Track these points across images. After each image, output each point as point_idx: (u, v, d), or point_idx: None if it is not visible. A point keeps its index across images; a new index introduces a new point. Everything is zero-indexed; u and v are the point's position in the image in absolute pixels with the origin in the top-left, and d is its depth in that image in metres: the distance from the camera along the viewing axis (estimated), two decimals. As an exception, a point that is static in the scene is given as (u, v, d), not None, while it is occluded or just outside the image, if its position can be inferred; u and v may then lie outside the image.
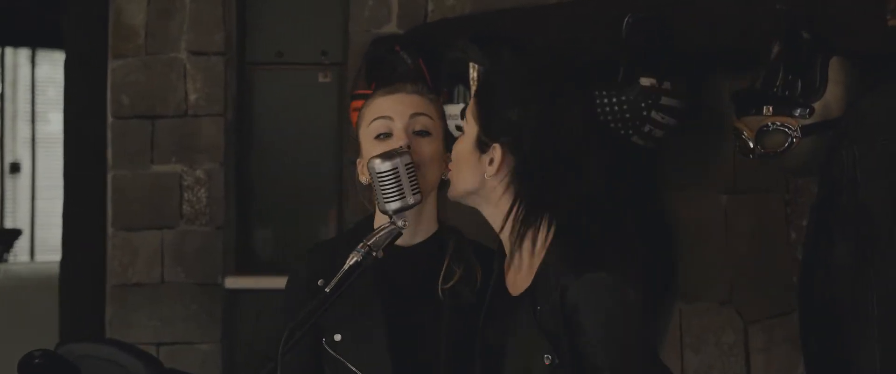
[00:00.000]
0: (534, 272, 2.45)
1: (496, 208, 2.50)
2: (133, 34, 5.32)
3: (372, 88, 4.65)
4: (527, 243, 2.46)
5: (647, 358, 2.46)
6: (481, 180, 2.48)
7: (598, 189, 2.46)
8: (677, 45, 3.92)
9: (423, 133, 2.69)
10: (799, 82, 3.49)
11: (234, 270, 5.37)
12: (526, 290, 2.46)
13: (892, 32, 3.38)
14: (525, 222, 2.45)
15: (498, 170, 2.46)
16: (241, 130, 5.41)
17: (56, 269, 6.39)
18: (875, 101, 3.26)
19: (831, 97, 3.47)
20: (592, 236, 2.42)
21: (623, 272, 2.39)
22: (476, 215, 2.57)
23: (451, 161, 2.59)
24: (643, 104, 3.91)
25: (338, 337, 2.67)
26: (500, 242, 2.55)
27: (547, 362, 2.37)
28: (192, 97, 5.32)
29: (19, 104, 12.98)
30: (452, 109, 4.14)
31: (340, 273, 2.50)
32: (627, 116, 3.91)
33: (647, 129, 3.94)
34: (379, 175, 2.58)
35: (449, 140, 2.76)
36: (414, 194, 2.58)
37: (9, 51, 12.75)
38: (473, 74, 4.29)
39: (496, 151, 2.45)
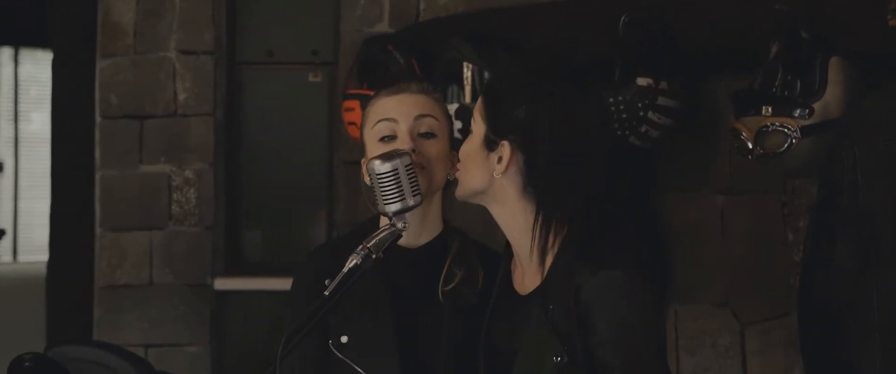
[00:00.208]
0: (543, 272, 2.43)
1: (504, 207, 2.48)
2: (122, 33, 5.28)
3: (364, 88, 4.63)
4: (537, 243, 2.43)
5: (659, 359, 2.42)
6: (490, 179, 2.46)
7: (607, 187, 2.43)
8: (674, 45, 3.89)
9: (429, 135, 2.68)
10: (798, 83, 3.47)
11: (223, 271, 5.34)
12: (536, 289, 2.44)
13: (892, 32, 3.35)
14: (545, 224, 2.42)
15: (507, 168, 2.44)
16: (230, 130, 5.38)
17: (39, 269, 6.35)
18: (877, 101, 3.22)
19: (831, 98, 3.45)
20: (606, 234, 2.41)
21: (637, 271, 2.38)
22: (482, 216, 2.54)
23: (458, 161, 2.55)
24: (640, 104, 3.88)
25: (344, 339, 2.66)
26: (507, 241, 2.53)
27: (557, 361, 2.35)
28: (181, 97, 5.28)
29: (2, 104, 12.90)
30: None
31: (340, 276, 2.48)
32: (624, 116, 3.88)
33: (643, 129, 3.91)
34: (379, 176, 2.55)
35: (454, 139, 2.74)
36: (414, 196, 2.55)
37: (-9, 50, 12.67)
38: (468, 73, 4.26)
39: (505, 149, 2.43)
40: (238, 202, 5.41)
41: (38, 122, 10.88)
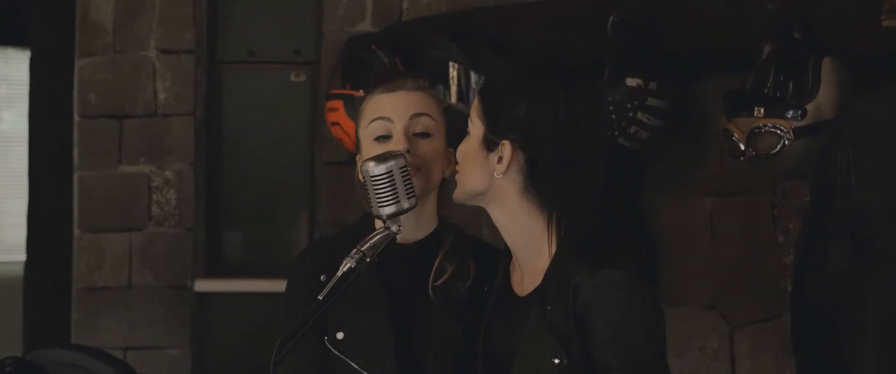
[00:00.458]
0: (542, 272, 2.39)
1: (503, 208, 2.45)
2: (101, 31, 5.24)
3: (347, 88, 4.60)
4: (536, 244, 2.41)
5: (659, 360, 2.39)
6: (490, 180, 2.43)
7: (606, 187, 2.40)
8: (664, 46, 3.86)
9: (424, 135, 2.64)
10: (790, 83, 3.45)
11: (203, 273, 5.30)
12: (534, 290, 2.41)
13: (885, 32, 3.33)
14: (559, 224, 2.40)
15: (508, 168, 2.40)
16: (211, 130, 5.33)
17: (12, 270, 6.28)
18: (874, 101, 3.20)
19: (824, 98, 3.43)
20: (605, 234, 2.38)
21: (636, 271, 2.35)
22: (480, 212, 2.51)
23: (456, 160, 2.51)
24: (629, 105, 3.86)
25: (340, 335, 2.63)
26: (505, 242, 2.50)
27: (556, 363, 2.32)
28: (161, 96, 5.24)
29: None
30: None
31: (334, 280, 2.45)
32: (613, 117, 3.85)
33: (632, 130, 3.88)
34: (373, 179, 2.51)
35: (451, 137, 2.69)
36: (408, 199, 2.52)
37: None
38: (454, 73, 4.23)
39: (505, 149, 2.40)
40: (219, 203, 5.36)
41: (9, 120, 10.80)
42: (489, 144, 2.42)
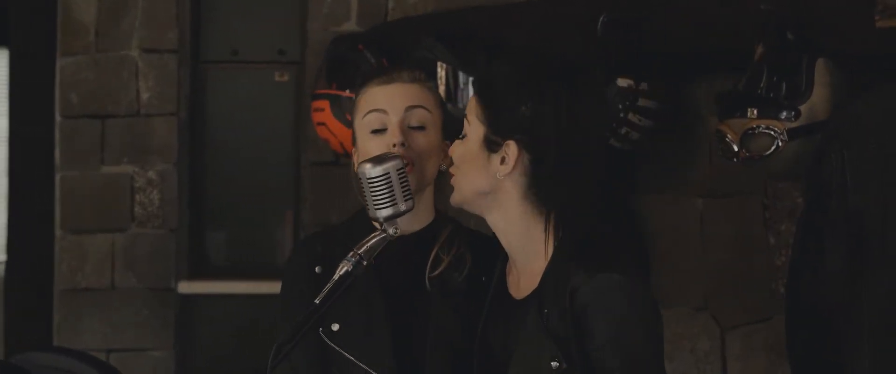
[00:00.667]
0: (539, 275, 2.38)
1: (502, 210, 2.42)
2: (83, 30, 5.20)
3: (333, 88, 4.56)
4: (533, 246, 2.39)
5: (657, 361, 2.37)
6: (493, 181, 2.40)
7: (605, 187, 2.40)
8: (655, 46, 3.84)
9: (419, 128, 2.62)
10: (784, 84, 3.43)
11: (187, 274, 5.27)
12: (531, 293, 2.39)
13: (879, 33, 3.32)
14: (557, 225, 2.38)
15: (513, 168, 2.37)
16: (194, 130, 5.31)
17: (-5, 271, 6.25)
18: (870, 102, 3.19)
19: (817, 99, 3.41)
20: (603, 235, 2.37)
21: (634, 273, 2.34)
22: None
23: (455, 159, 2.48)
24: (620, 106, 3.84)
25: (335, 327, 2.60)
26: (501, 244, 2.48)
27: (554, 367, 2.30)
28: (144, 96, 5.21)
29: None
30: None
31: (331, 283, 2.42)
32: (605, 117, 3.83)
33: (623, 131, 3.86)
34: (369, 181, 2.48)
35: (448, 129, 2.67)
36: (406, 201, 2.49)
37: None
38: (441, 73, 4.20)
39: (510, 149, 2.37)
40: (202, 204, 5.34)
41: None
42: (491, 145, 2.39)
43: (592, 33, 3.91)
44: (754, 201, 4.05)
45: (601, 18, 3.91)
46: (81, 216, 5.22)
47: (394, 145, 2.58)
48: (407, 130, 2.60)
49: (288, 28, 5.27)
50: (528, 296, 2.40)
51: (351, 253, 2.43)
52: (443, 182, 2.63)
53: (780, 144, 3.39)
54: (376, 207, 2.47)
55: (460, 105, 4.14)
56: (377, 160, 2.48)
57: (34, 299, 5.44)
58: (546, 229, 2.39)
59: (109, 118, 5.20)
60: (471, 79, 2.45)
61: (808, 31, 3.43)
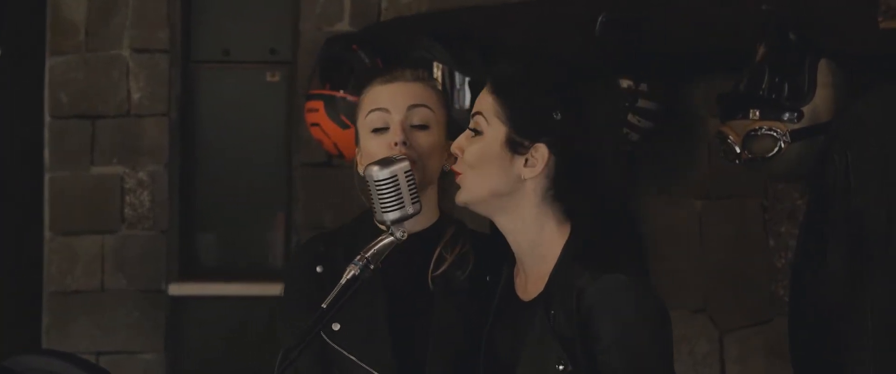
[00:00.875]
0: (546, 277, 2.35)
1: (516, 212, 2.39)
2: (73, 30, 5.17)
3: (327, 88, 4.54)
4: (543, 248, 2.37)
5: (666, 364, 2.33)
6: (513, 183, 2.37)
7: (623, 189, 2.39)
8: (654, 46, 3.81)
9: (422, 127, 2.60)
10: (786, 85, 3.41)
11: (178, 276, 5.25)
12: (538, 295, 2.36)
13: (882, 34, 3.30)
14: (583, 229, 2.36)
15: (541, 171, 2.35)
16: (185, 130, 5.28)
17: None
18: (871, 103, 3.17)
19: (820, 100, 3.40)
20: (610, 237, 2.35)
21: (641, 275, 2.31)
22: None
23: (469, 158, 2.43)
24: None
25: (336, 327, 2.57)
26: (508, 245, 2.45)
27: (560, 369, 2.27)
28: (134, 96, 5.19)
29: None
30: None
31: (337, 288, 2.37)
32: (604, 118, 3.81)
33: (623, 131, 3.83)
34: (377, 184, 2.44)
35: (452, 128, 2.64)
36: (413, 204, 2.45)
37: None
38: (438, 73, 4.17)
39: (539, 152, 2.35)
40: (193, 205, 5.32)
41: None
42: (516, 146, 2.36)
43: (591, 34, 3.88)
44: (753, 202, 4.03)
45: (600, 18, 3.88)
46: (71, 218, 5.19)
47: (395, 144, 2.56)
48: (409, 129, 2.58)
49: (280, 28, 5.25)
50: (536, 298, 2.37)
51: (358, 257, 2.38)
52: (447, 184, 2.62)
53: (782, 145, 3.38)
54: (383, 210, 2.44)
55: (457, 106, 4.12)
56: (384, 163, 2.45)
57: (23, 301, 5.40)
58: (559, 232, 2.37)
59: (99, 119, 5.17)
60: (490, 77, 2.40)
61: (810, 31, 3.41)
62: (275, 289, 4.71)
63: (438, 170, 2.61)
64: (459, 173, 2.43)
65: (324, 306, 2.35)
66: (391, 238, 2.43)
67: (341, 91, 4.46)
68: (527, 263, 2.42)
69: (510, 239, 2.43)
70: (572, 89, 2.37)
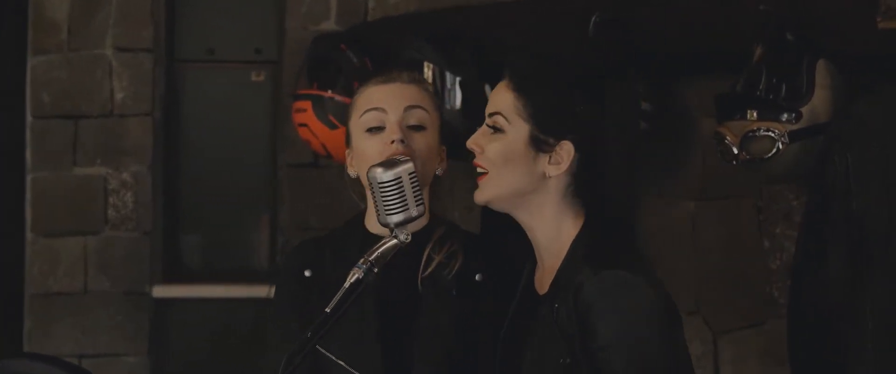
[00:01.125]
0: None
1: (539, 208, 2.38)
2: (55, 29, 5.11)
3: (315, 88, 4.51)
4: (559, 244, 2.36)
5: (676, 368, 2.28)
6: (537, 181, 2.36)
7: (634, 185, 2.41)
8: (648, 46, 3.79)
9: (418, 128, 2.60)
10: (783, 86, 3.39)
11: (161, 278, 5.21)
12: (548, 288, 2.36)
13: (881, 34, 3.29)
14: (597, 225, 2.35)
15: (567, 168, 2.34)
16: (169, 131, 5.24)
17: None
18: (871, 103, 3.17)
19: (818, 101, 3.39)
20: (621, 233, 2.35)
21: (645, 273, 2.28)
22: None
23: (491, 156, 2.40)
24: (613, 107, 3.78)
25: None
26: (530, 242, 2.43)
27: (562, 363, 2.26)
28: (118, 96, 5.13)
29: None
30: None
31: (341, 292, 2.34)
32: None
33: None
34: (381, 186, 2.41)
35: (445, 132, 2.66)
36: (417, 206, 2.43)
37: None
38: (429, 73, 4.14)
39: (565, 149, 2.34)
40: (177, 206, 5.28)
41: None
42: (540, 144, 2.35)
43: (584, 34, 3.85)
44: (747, 203, 4.02)
45: (593, 18, 3.85)
46: (53, 219, 5.14)
47: (392, 142, 2.56)
48: (405, 129, 2.58)
49: (265, 27, 5.22)
50: (547, 292, 2.36)
51: (362, 260, 2.35)
52: (438, 187, 2.64)
53: (780, 146, 3.36)
54: (387, 212, 2.41)
55: (448, 106, 4.09)
56: (388, 165, 2.42)
57: (4, 304, 5.34)
58: (575, 227, 2.36)
59: (82, 118, 5.12)
60: (508, 73, 2.39)
61: (808, 31, 3.40)
62: (260, 291, 4.75)
63: (433, 172, 2.62)
64: (485, 171, 2.40)
65: (327, 310, 2.33)
66: (395, 241, 2.41)
67: (329, 91, 4.43)
68: (545, 257, 2.41)
69: (530, 234, 2.42)
70: (594, 83, 2.36)
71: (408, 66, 4.15)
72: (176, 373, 5.19)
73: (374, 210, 2.62)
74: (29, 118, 5.13)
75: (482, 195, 2.41)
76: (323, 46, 4.64)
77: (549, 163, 2.35)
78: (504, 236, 2.71)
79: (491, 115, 2.40)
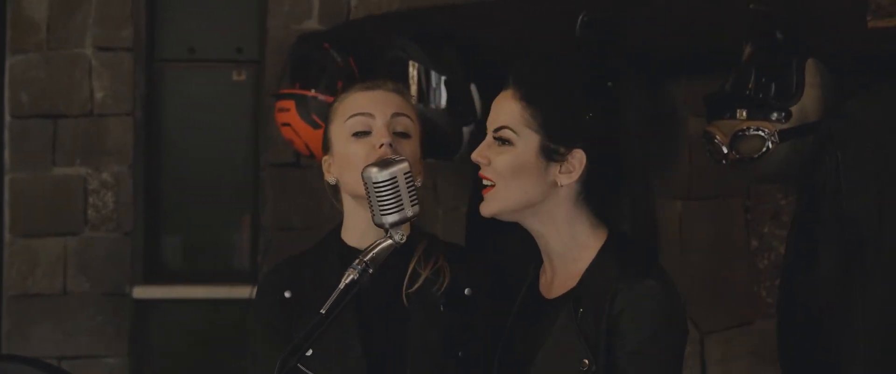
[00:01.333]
0: (577, 277, 2.36)
1: (549, 216, 2.39)
2: (34, 28, 5.07)
3: (298, 87, 4.47)
4: (575, 251, 2.38)
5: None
6: (548, 190, 2.36)
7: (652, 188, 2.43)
8: (635, 46, 3.77)
9: (404, 135, 2.61)
10: (773, 85, 3.38)
11: (142, 279, 5.18)
12: (567, 292, 2.37)
13: (871, 33, 3.28)
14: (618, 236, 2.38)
15: (579, 177, 2.35)
16: (150, 130, 5.21)
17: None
18: (867, 102, 3.16)
19: (808, 100, 3.38)
20: (648, 242, 2.38)
21: (672, 283, 2.34)
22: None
23: (500, 169, 2.39)
24: (601, 107, 3.76)
25: (309, 352, 2.48)
26: (537, 248, 2.44)
27: (584, 367, 2.28)
28: (98, 96, 5.09)
29: None
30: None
31: (336, 293, 2.33)
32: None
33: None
34: (376, 186, 2.39)
35: (426, 143, 2.67)
36: (412, 206, 2.42)
37: None
38: (414, 73, 4.11)
39: (576, 158, 2.35)
40: (158, 207, 5.25)
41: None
42: (551, 154, 2.35)
43: (571, 33, 3.83)
44: (735, 202, 4.01)
45: (581, 18, 3.83)
46: (32, 219, 5.10)
47: (380, 145, 2.55)
48: (392, 134, 2.59)
49: (247, 26, 5.19)
50: (564, 295, 2.38)
51: (357, 261, 2.34)
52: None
53: (770, 145, 3.35)
54: (382, 212, 2.39)
55: (433, 105, 4.06)
56: (383, 164, 2.41)
57: (-19, 305, 5.31)
58: (593, 233, 2.37)
59: (61, 118, 5.08)
60: (514, 82, 2.38)
61: (798, 30, 3.39)
62: (241, 292, 4.73)
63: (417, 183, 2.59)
64: (492, 183, 2.39)
65: (322, 311, 2.31)
66: (390, 242, 2.40)
67: (313, 90, 4.39)
68: (557, 263, 2.42)
69: (540, 241, 2.43)
70: (603, 88, 2.35)
71: (392, 67, 4.15)
72: (156, 375, 5.15)
73: (351, 222, 2.63)
74: (7, 118, 5.09)
75: (489, 208, 2.41)
76: (306, 46, 4.60)
77: (560, 172, 2.35)
78: (488, 243, 2.72)
79: (498, 129, 2.39)
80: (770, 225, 3.91)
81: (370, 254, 2.36)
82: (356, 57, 4.45)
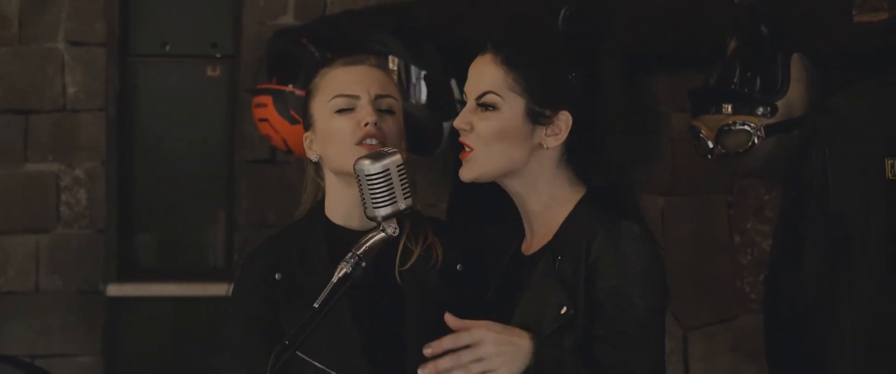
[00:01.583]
0: (554, 230, 2.34)
1: (530, 177, 2.36)
2: (5, 22, 5.02)
3: (275, 83, 4.45)
4: (554, 210, 2.36)
5: (659, 319, 2.30)
6: (533, 152, 2.34)
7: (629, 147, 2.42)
8: (618, 41, 3.75)
9: (389, 111, 2.57)
10: (758, 79, 3.38)
11: (115, 276, 5.15)
12: (545, 245, 2.34)
13: (857, 28, 3.28)
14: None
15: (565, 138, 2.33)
16: (123, 126, 5.17)
17: None
18: (853, 97, 3.15)
19: (794, 95, 3.38)
20: (626, 194, 2.36)
21: (652, 233, 2.30)
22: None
23: (484, 134, 2.36)
24: (583, 101, 3.75)
25: None
26: (517, 213, 2.42)
27: (563, 312, 2.25)
28: (70, 91, 5.05)
29: None
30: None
31: (329, 287, 2.29)
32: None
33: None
34: (368, 178, 2.35)
35: (408, 118, 2.65)
36: (405, 199, 2.37)
37: None
38: (393, 67, 4.08)
39: (562, 119, 2.33)
40: (131, 204, 5.22)
41: None
42: (537, 117, 2.33)
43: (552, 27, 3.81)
44: (717, 198, 4.01)
45: (563, 12, 3.81)
46: (4, 216, 5.05)
47: (365, 124, 2.52)
48: (378, 112, 2.55)
49: (221, 21, 5.17)
50: (541, 249, 2.35)
51: (350, 254, 2.30)
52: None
53: (756, 140, 3.35)
54: (375, 205, 2.35)
55: (413, 100, 4.04)
56: (376, 156, 2.36)
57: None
58: (572, 193, 2.35)
59: (33, 114, 5.04)
60: (494, 49, 2.36)
61: (783, 25, 3.38)
62: (216, 289, 4.68)
63: None
64: (471, 149, 2.37)
65: (315, 305, 2.27)
66: (383, 234, 2.36)
67: (291, 86, 4.36)
68: (535, 223, 2.40)
69: (519, 202, 2.41)
70: (584, 50, 2.34)
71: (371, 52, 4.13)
72: (130, 373, 5.12)
73: (335, 199, 2.59)
74: (-22, 113, 5.04)
75: (470, 172, 2.39)
76: (283, 41, 4.58)
77: (546, 135, 2.33)
78: (471, 222, 2.70)
79: (482, 94, 2.36)
80: (753, 221, 3.91)
81: (363, 247, 2.33)
82: (334, 52, 4.42)
